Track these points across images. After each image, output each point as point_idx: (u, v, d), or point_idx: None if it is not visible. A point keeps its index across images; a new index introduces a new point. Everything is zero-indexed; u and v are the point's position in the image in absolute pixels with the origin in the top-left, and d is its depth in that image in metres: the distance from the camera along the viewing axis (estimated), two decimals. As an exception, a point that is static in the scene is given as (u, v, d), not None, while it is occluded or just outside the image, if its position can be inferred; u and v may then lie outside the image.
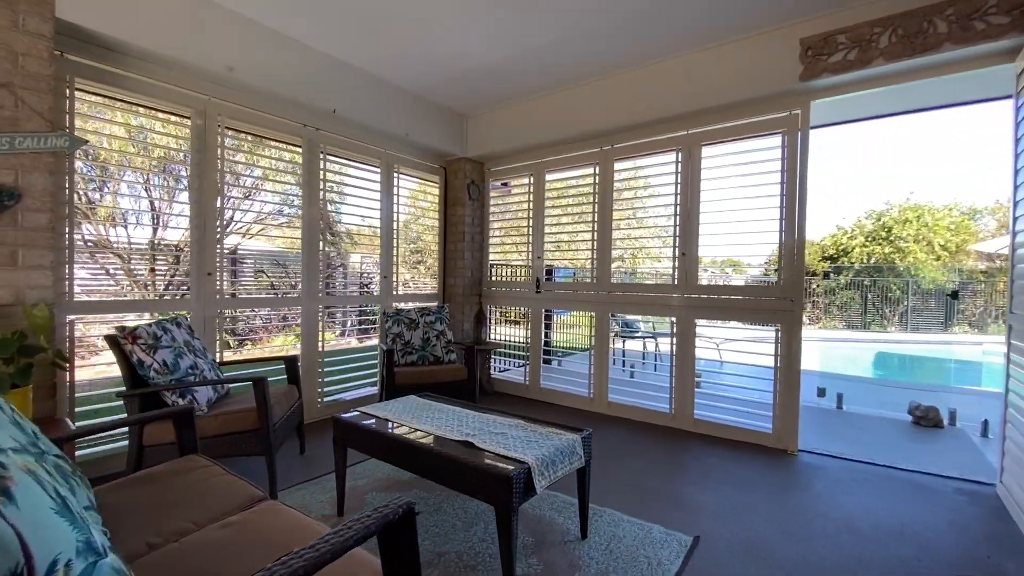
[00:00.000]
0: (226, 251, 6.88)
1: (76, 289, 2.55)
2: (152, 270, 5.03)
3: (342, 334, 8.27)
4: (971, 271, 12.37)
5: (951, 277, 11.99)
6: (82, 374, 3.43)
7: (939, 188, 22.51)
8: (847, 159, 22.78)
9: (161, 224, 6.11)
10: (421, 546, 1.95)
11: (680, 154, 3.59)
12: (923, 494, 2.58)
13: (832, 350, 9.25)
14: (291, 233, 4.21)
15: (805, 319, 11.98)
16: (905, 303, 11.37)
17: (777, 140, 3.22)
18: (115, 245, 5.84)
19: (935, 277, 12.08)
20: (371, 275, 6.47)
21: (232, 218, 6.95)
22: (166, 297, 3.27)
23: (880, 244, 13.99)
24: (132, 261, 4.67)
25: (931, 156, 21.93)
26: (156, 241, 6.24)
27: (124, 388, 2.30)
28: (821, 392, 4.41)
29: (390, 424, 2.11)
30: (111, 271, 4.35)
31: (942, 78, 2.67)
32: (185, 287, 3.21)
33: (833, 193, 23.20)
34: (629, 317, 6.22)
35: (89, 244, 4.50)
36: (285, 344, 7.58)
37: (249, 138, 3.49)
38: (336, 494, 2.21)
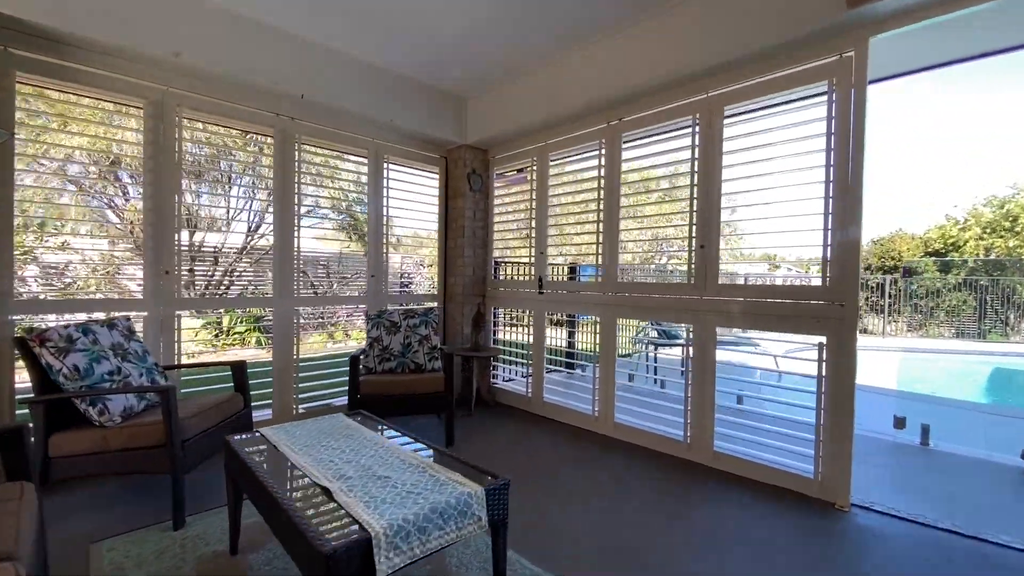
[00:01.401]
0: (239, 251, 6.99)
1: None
2: (191, 270, 5.17)
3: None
4: None
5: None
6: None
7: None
8: (950, 126, 19.09)
9: (200, 228, 6.37)
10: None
11: (699, 123, 2.91)
12: (1037, 592, 1.77)
13: (929, 364, 7.69)
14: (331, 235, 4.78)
15: (902, 325, 10.27)
16: (1037, 307, 9.29)
17: (821, 96, 2.46)
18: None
19: (1080, 276, 9.77)
20: (410, 275, 6.25)
21: (262, 219, 7.11)
22: (124, 297, 3.20)
23: (1003, 236, 11.65)
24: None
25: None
26: (197, 244, 6.51)
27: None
28: (899, 422, 3.44)
29: (268, 455, 1.73)
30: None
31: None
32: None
33: (936, 175, 19.83)
34: (666, 325, 5.46)
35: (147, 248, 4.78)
36: (316, 342, 7.64)
37: (269, 140, 3.29)
38: (229, 530, 1.88)
